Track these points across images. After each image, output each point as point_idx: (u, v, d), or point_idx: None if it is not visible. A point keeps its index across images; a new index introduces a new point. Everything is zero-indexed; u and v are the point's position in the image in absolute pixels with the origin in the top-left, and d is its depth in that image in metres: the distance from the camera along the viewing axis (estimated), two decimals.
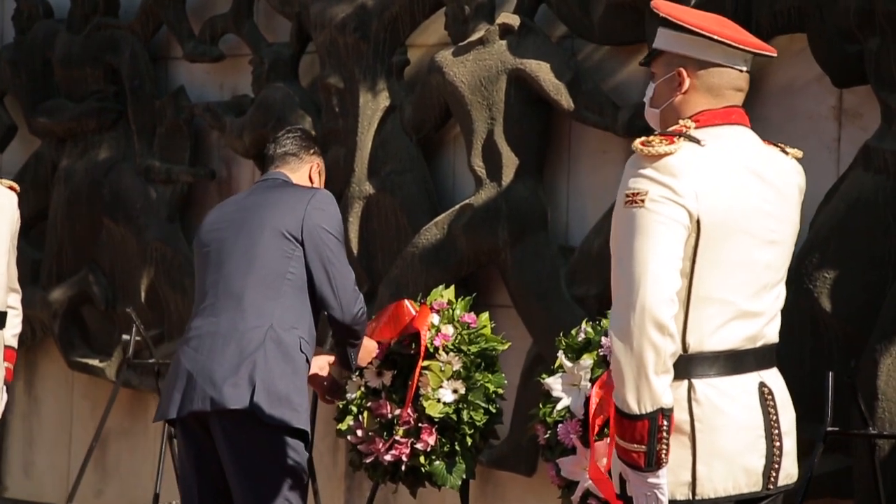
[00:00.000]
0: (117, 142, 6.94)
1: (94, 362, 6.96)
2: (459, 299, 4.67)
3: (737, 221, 2.79)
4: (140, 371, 6.81)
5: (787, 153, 2.97)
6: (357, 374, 4.58)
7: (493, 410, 4.51)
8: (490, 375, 4.52)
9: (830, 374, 4.25)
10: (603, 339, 4.22)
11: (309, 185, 4.21)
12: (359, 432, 4.58)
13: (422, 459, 4.50)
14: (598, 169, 5.38)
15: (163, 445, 5.72)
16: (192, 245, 4.32)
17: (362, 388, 4.61)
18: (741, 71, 2.90)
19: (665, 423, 2.72)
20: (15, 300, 4.59)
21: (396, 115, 5.82)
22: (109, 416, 7.07)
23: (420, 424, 4.48)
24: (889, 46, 4.52)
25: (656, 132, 2.87)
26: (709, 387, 2.80)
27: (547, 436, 4.27)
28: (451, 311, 4.61)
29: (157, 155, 6.80)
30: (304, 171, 4.25)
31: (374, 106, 5.84)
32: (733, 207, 2.79)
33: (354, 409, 4.58)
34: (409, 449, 4.50)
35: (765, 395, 2.86)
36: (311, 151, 4.29)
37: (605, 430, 4.08)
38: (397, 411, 4.51)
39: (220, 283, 4.05)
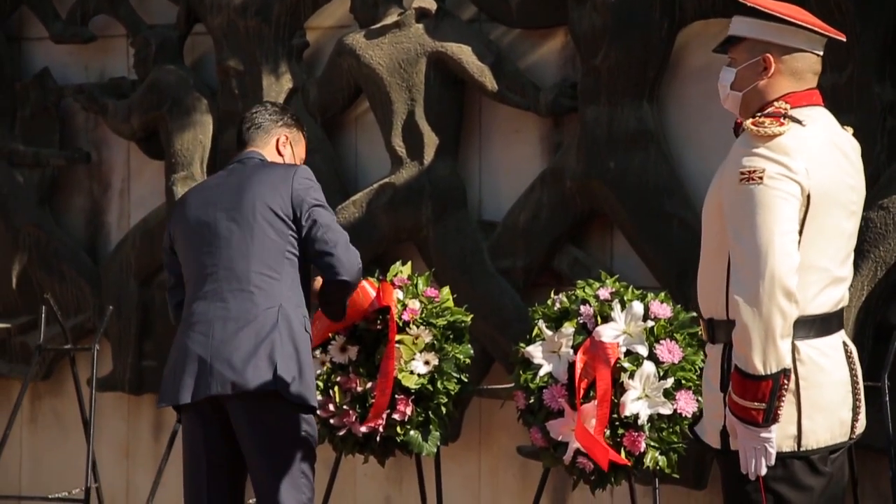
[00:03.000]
0: None
1: None
2: (417, 274, 4.85)
3: (834, 195, 3.11)
4: (9, 359, 6.66)
5: (846, 130, 3.31)
6: (320, 350, 4.70)
7: (465, 379, 4.71)
8: (459, 346, 4.72)
9: None
10: (581, 307, 4.48)
11: (279, 157, 4.30)
12: (330, 406, 4.70)
13: (398, 429, 4.66)
14: (511, 147, 5.63)
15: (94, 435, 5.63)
16: (169, 225, 4.32)
17: (328, 364, 4.73)
18: (818, 55, 3.22)
19: (786, 382, 3.02)
20: None
21: (299, 97, 5.91)
22: None
23: (395, 396, 4.64)
24: None
25: (759, 114, 3.13)
26: (810, 347, 3.11)
27: (530, 401, 4.51)
28: (413, 286, 4.79)
29: (20, 138, 6.63)
30: (272, 143, 4.33)
31: (277, 88, 5.91)
32: (831, 182, 3.11)
33: (321, 384, 4.70)
34: (384, 420, 4.65)
35: (848, 352, 3.20)
36: (280, 123, 4.36)
37: (591, 392, 4.38)
38: (368, 385, 4.66)
39: (221, 267, 4.12)
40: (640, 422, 4.33)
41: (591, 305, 4.46)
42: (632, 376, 4.34)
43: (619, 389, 4.35)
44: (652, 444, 4.35)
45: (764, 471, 3.08)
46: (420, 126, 5.55)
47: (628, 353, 4.37)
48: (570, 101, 5.35)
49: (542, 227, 5.37)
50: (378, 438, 4.69)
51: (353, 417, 4.67)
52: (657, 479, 4.49)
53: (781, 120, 3.07)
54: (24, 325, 6.58)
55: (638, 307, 4.40)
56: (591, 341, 4.40)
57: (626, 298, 4.45)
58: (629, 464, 4.36)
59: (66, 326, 5.82)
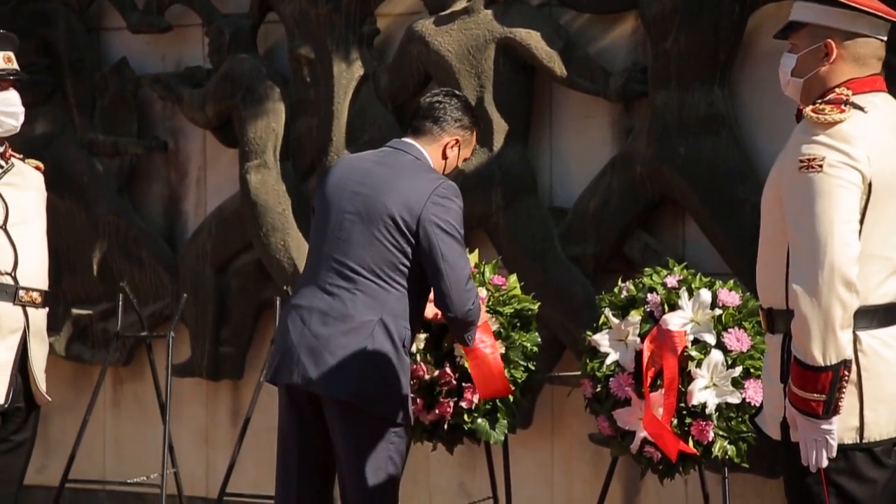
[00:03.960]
0: (53, 115, 6.83)
1: None
2: (484, 262, 4.84)
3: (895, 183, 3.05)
4: (91, 345, 6.77)
5: None
6: None
7: (532, 367, 4.70)
8: (526, 334, 4.70)
9: None
10: (648, 295, 4.45)
11: (441, 161, 4.15)
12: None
13: (465, 417, 4.66)
14: (582, 133, 5.60)
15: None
16: (316, 191, 4.23)
17: None
18: (882, 40, 3.15)
19: (846, 373, 2.97)
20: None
21: (370, 84, 5.93)
22: (52, 390, 7.01)
23: (462, 384, 4.64)
24: None
25: (819, 100, 3.08)
26: (872, 338, 3.06)
27: (597, 390, 4.49)
28: (480, 274, 4.78)
29: (100, 128, 6.72)
30: (440, 144, 4.15)
31: (348, 76, 5.92)
32: (894, 170, 3.04)
33: None
34: (451, 408, 4.66)
35: None
36: (457, 125, 4.15)
37: (658, 381, 4.35)
38: (436, 373, 4.66)
39: (335, 259, 4.02)
40: (707, 411, 4.28)
41: (658, 293, 4.43)
42: (699, 365, 4.30)
43: (686, 378, 4.31)
44: (720, 433, 4.31)
45: (825, 463, 3.04)
46: (489, 112, 5.53)
47: (696, 341, 4.33)
48: (640, 85, 5.30)
49: (613, 214, 5.33)
50: (445, 426, 4.69)
51: (421, 405, 4.68)
52: (726, 469, 4.45)
53: (842, 107, 3.01)
54: (105, 311, 6.67)
55: (706, 295, 4.36)
56: (658, 329, 4.37)
57: (693, 286, 4.41)
58: (697, 453, 4.32)
59: (142, 314, 5.90)
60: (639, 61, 5.39)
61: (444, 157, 4.18)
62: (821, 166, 2.97)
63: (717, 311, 4.34)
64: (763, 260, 3.19)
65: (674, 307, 4.39)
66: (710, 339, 4.31)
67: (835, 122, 2.99)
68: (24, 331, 4.38)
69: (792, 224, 3.01)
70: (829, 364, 2.96)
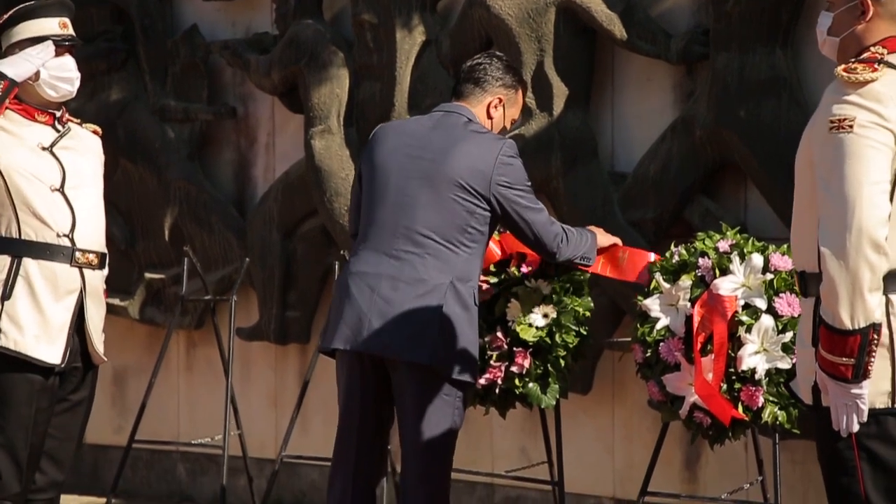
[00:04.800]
0: (127, 82, 6.93)
1: (114, 301, 6.97)
2: None
3: None
4: (164, 308, 6.87)
5: None
6: None
7: (584, 332, 4.68)
8: (578, 299, 4.68)
9: None
10: (700, 260, 4.40)
11: (487, 121, 4.20)
12: None
13: (516, 382, 4.66)
14: (643, 96, 5.54)
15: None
16: (360, 160, 4.27)
17: None
18: None
19: (875, 337, 2.92)
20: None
21: (432, 49, 5.92)
22: (128, 353, 7.15)
23: (514, 349, 4.64)
24: None
25: (852, 60, 3.02)
26: None
27: (647, 355, 4.46)
28: None
29: (172, 94, 6.81)
30: (483, 105, 4.24)
31: (410, 41, 5.93)
32: None
33: None
34: (503, 372, 4.66)
35: None
36: (499, 83, 4.25)
37: (708, 346, 4.31)
38: (487, 338, 4.66)
39: (401, 224, 4.06)
40: (757, 376, 4.24)
41: (709, 258, 4.38)
42: (749, 330, 4.25)
43: (736, 343, 4.27)
44: (770, 398, 4.26)
45: (856, 427, 2.99)
46: (549, 77, 5.50)
47: (746, 306, 4.28)
48: (701, 48, 5.23)
49: (673, 178, 5.28)
50: (497, 391, 4.69)
51: None
52: (777, 435, 4.40)
53: (875, 66, 2.95)
54: (177, 275, 6.75)
55: (757, 259, 4.30)
56: (709, 294, 4.33)
57: (745, 251, 4.35)
58: (747, 419, 4.28)
59: (211, 278, 5.97)
60: (700, 23, 5.32)
61: (490, 116, 4.23)
62: (851, 126, 2.91)
63: (769, 276, 4.28)
64: (796, 222, 3.15)
65: (725, 272, 4.34)
66: (761, 303, 4.26)
67: (866, 82, 2.93)
68: (81, 292, 4.45)
69: (822, 185, 2.96)
70: (857, 327, 2.91)
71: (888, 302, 2.99)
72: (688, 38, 5.26)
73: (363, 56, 6.07)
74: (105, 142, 6.79)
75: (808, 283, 3.10)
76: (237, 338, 6.63)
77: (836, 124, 2.94)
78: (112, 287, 7.05)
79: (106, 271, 4.64)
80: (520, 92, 4.30)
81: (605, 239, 4.55)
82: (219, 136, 6.80)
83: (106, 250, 4.61)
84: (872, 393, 2.98)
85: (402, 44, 5.92)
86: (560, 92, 5.50)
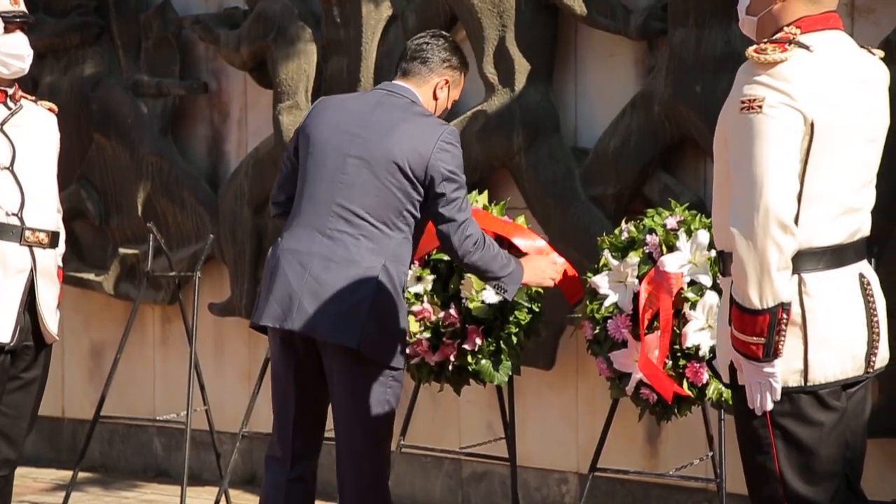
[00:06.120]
0: (101, 56, 6.95)
1: (90, 276, 7.02)
2: (494, 203, 4.83)
3: (844, 123, 2.97)
4: (138, 283, 6.89)
5: (873, 54, 3.15)
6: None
7: (536, 309, 4.68)
8: None
9: None
10: (648, 237, 4.40)
11: (432, 101, 4.15)
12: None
13: (469, 359, 4.67)
14: (606, 72, 5.53)
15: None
16: (298, 132, 4.18)
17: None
18: None
19: (784, 316, 2.92)
20: (58, 220, 4.65)
21: (398, 24, 5.92)
22: (105, 328, 7.19)
23: (466, 325, 4.65)
24: None
25: (765, 40, 3.02)
26: (818, 280, 3.00)
27: (596, 331, 4.47)
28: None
29: (145, 69, 6.82)
30: (430, 85, 4.16)
31: (376, 16, 5.92)
32: (841, 109, 2.96)
33: None
34: (456, 349, 4.67)
35: (864, 285, 3.07)
36: (445, 64, 4.15)
37: (655, 323, 4.31)
38: (441, 314, 4.67)
39: (337, 203, 4.00)
40: (701, 353, 4.24)
41: (657, 235, 4.38)
42: (694, 307, 4.25)
43: (682, 320, 4.27)
44: (715, 375, 4.26)
45: (770, 406, 2.99)
46: (511, 52, 5.49)
47: (692, 283, 4.28)
48: (660, 23, 5.22)
49: (632, 154, 5.27)
50: (450, 367, 4.71)
51: (426, 346, 4.69)
52: (722, 410, 4.41)
53: (786, 46, 2.94)
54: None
55: (703, 236, 4.30)
56: (656, 271, 4.33)
57: (692, 227, 4.35)
58: (692, 395, 4.29)
59: (170, 255, 5.99)
60: None
61: (435, 97, 4.18)
62: (760, 107, 2.90)
63: (714, 253, 4.28)
64: (716, 202, 3.14)
65: (672, 249, 4.34)
66: (707, 280, 4.26)
67: (776, 62, 2.92)
68: (32, 271, 4.46)
69: (733, 166, 2.96)
70: (766, 307, 2.91)
71: (801, 281, 2.98)
72: (646, 13, 5.24)
73: (330, 31, 6.07)
74: (79, 117, 6.91)
75: (725, 262, 3.10)
76: (211, 313, 6.66)
77: (746, 104, 2.93)
78: (87, 262, 7.14)
79: (61, 250, 4.65)
80: (464, 74, 4.24)
81: (537, 278, 4.41)
82: (192, 111, 6.81)
83: (59, 229, 4.61)
84: (785, 371, 2.99)
85: (368, 19, 5.91)
86: (522, 67, 5.50)
